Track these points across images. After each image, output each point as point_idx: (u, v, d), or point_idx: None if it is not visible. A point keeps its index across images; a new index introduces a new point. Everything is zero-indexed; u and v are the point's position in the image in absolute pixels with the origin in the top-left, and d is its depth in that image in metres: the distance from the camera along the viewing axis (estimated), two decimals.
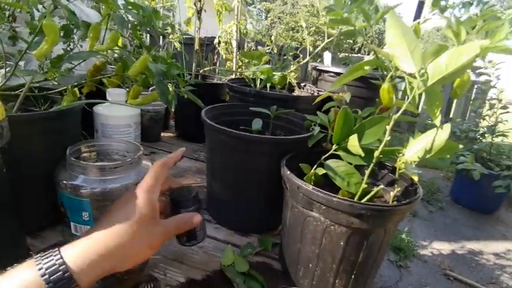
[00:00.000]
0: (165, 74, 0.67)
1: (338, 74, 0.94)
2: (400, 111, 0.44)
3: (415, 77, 0.43)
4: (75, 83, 0.72)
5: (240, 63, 1.32)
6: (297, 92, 0.94)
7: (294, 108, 0.80)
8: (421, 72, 0.42)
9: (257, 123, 0.72)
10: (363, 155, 0.47)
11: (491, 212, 2.56)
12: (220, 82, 1.10)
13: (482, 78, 2.57)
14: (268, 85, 0.97)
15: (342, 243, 0.48)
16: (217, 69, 1.15)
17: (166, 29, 0.93)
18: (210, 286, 0.54)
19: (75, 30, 0.72)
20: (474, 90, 3.99)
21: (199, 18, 1.10)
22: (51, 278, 0.31)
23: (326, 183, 0.55)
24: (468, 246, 2.12)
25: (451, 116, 4.25)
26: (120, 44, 0.94)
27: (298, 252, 0.54)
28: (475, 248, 2.10)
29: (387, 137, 0.45)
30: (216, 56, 1.32)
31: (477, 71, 2.40)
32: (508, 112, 2.48)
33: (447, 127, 0.45)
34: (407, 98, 0.44)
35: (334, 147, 0.53)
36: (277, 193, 0.59)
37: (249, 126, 0.74)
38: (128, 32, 0.76)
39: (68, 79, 0.72)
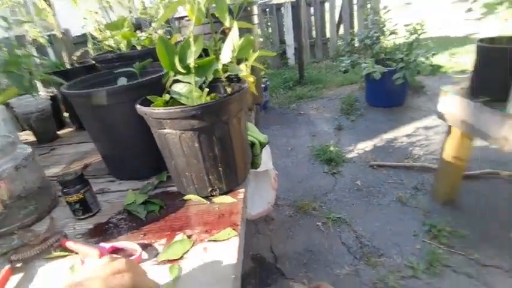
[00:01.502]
0: (12, 65, 0.69)
1: None
2: (191, 28, 0.53)
3: None
4: None
5: None
6: None
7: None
8: None
9: (121, 81, 0.78)
10: (184, 71, 0.57)
11: (401, 103, 2.94)
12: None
13: None
14: (140, 48, 1.02)
15: (196, 144, 0.59)
16: (90, 50, 1.15)
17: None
18: (114, 222, 0.63)
19: None
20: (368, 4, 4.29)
21: (49, 4, 1.07)
22: None
23: None
24: (385, 137, 2.45)
25: (355, 29, 4.57)
26: None
27: (175, 168, 0.64)
28: (391, 136, 2.44)
29: (193, 49, 0.55)
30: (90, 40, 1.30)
31: None
32: (389, 10, 2.76)
33: (235, 29, 0.55)
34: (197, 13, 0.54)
35: (171, 74, 0.62)
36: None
37: None
38: None
39: None
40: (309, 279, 1.34)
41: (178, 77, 0.62)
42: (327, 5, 4.76)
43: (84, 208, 0.64)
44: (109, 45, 0.98)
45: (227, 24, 0.55)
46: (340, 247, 1.49)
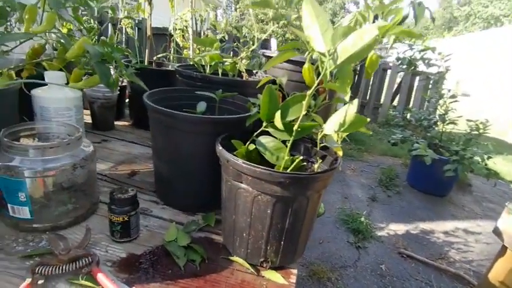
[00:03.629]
0: (105, 56, 0.67)
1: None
2: (312, 89, 0.48)
3: (326, 56, 0.47)
4: (13, 66, 0.70)
5: (198, 51, 1.32)
6: (245, 78, 0.97)
7: (241, 93, 0.83)
8: (331, 51, 0.47)
9: (201, 106, 0.74)
10: (283, 129, 0.51)
11: (443, 195, 2.76)
12: (173, 69, 1.10)
13: (434, 69, 2.74)
14: (220, 72, 1.00)
15: (269, 211, 0.52)
16: (171, 56, 1.15)
17: (106, 11, 0.92)
18: (149, 260, 0.56)
19: (12, 13, 0.71)
20: (431, 82, 4.22)
21: (150, 3, 1.09)
22: None
23: (263, 161, 0.58)
24: (421, 226, 2.27)
25: (410, 105, 4.48)
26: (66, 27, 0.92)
27: (233, 224, 0.57)
28: (427, 227, 2.27)
29: (303, 112, 0.50)
30: (172, 44, 1.32)
31: (427, 62, 2.56)
32: (456, 101, 2.67)
33: (355, 102, 0.49)
34: (323, 76, 0.48)
35: (264, 124, 0.56)
36: (219, 172, 0.62)
37: (195, 109, 0.76)
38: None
39: (5, 62, 0.70)
40: None
41: (269, 129, 0.57)
42: (388, 72, 4.75)
43: (124, 231, 0.58)
44: (196, 62, 0.96)
45: (347, 98, 0.49)
46: None
